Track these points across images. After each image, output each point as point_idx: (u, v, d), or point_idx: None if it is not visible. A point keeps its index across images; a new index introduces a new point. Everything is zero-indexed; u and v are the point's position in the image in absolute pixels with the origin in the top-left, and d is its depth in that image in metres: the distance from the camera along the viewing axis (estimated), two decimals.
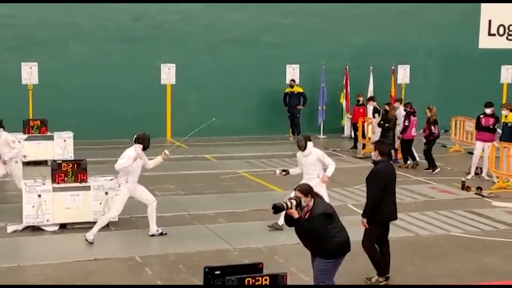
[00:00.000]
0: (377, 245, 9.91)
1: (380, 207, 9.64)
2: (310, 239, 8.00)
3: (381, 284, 9.83)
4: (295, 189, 8.07)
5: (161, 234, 12.08)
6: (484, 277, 10.28)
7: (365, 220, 9.74)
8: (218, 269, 6.75)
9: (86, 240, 11.54)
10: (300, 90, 23.92)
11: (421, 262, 10.82)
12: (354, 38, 25.00)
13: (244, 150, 21.22)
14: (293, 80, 24.11)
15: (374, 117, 20.54)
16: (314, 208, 7.91)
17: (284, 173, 12.45)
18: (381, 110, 20.11)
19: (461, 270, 10.61)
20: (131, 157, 11.73)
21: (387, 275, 9.91)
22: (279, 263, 10.62)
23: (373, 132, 20.21)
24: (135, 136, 12.04)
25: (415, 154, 19.04)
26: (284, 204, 7.78)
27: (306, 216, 7.91)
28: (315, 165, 12.08)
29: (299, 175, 12.33)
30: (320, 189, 11.28)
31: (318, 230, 7.83)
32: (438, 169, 18.21)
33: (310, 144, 12.05)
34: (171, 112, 23.58)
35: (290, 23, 24.27)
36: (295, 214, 7.80)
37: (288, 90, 23.92)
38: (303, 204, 7.89)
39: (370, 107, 21.04)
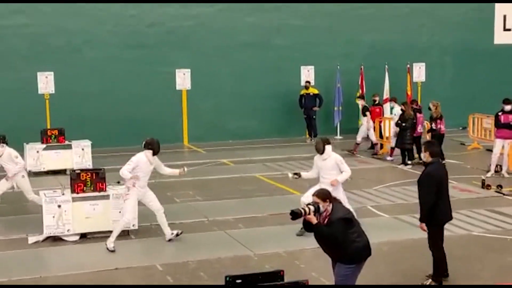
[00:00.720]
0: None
1: (437, 209, 9.62)
2: (330, 245, 7.97)
3: (431, 285, 9.82)
4: (313, 195, 8.02)
5: (177, 234, 12.12)
6: (507, 277, 10.18)
7: (423, 224, 9.74)
8: (239, 277, 6.72)
9: (107, 249, 11.58)
10: (316, 91, 23.88)
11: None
12: (367, 38, 24.94)
13: (261, 154, 21.20)
14: (308, 82, 24.08)
15: (364, 115, 21.09)
16: (332, 213, 7.86)
17: (296, 176, 12.41)
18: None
19: (483, 270, 10.53)
20: (138, 162, 11.84)
21: (441, 282, 9.84)
22: (300, 268, 10.59)
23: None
24: (144, 142, 12.06)
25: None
26: (302, 210, 7.74)
27: (325, 222, 7.86)
28: (332, 169, 12.02)
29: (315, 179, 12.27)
30: (338, 193, 11.25)
31: (337, 235, 7.79)
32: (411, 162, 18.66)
33: (328, 148, 12.00)
34: (187, 117, 23.61)
35: (302, 24, 24.25)
36: (314, 220, 7.77)
37: (303, 92, 23.88)
38: (322, 209, 7.85)
39: (396, 108, 20.80)
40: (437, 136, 18.14)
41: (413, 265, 10.77)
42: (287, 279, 6.88)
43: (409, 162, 18.89)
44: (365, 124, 21.05)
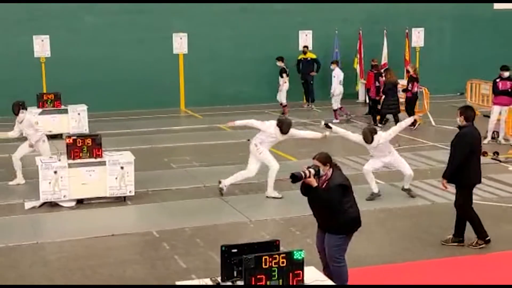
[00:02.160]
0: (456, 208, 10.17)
1: (468, 170, 9.86)
2: (324, 210, 7.93)
3: (481, 247, 10.00)
4: (313, 158, 7.98)
5: (277, 198, 12.63)
6: (505, 245, 10.20)
7: (445, 181, 9.97)
8: (235, 247, 6.75)
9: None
10: (313, 56, 23.73)
11: (439, 231, 10.75)
12: (366, 2, 24.70)
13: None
14: (306, 47, 23.91)
15: (282, 76, 22.17)
16: (332, 179, 7.83)
17: (327, 128, 12.75)
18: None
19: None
20: (266, 128, 12.84)
21: (488, 238, 10.04)
22: (295, 235, 10.62)
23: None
24: (278, 117, 13.06)
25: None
26: (303, 173, 7.72)
27: (323, 186, 7.84)
28: (385, 147, 12.40)
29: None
30: (400, 163, 12.51)
31: (333, 200, 7.78)
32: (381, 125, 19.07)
33: (376, 137, 12.17)
34: (184, 82, 23.50)
35: None
36: (314, 183, 7.74)
37: (301, 56, 23.75)
38: (322, 173, 7.83)
39: (336, 70, 21.16)
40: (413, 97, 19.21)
41: (410, 231, 10.81)
42: (282, 247, 6.92)
43: (380, 125, 19.21)
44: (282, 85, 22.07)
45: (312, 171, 7.76)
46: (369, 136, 12.14)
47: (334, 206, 7.82)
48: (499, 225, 11.11)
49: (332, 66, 21.09)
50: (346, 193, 7.91)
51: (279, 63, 22.28)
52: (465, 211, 10.08)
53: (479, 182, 10.22)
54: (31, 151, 13.89)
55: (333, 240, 7.95)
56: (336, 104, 20.67)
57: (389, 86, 19.17)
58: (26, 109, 14.08)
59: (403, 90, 19.68)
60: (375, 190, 12.50)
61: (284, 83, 22.08)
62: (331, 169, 7.89)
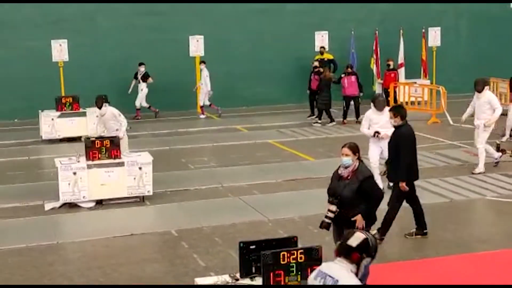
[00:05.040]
0: (411, 204, 10.22)
1: (411, 168, 10.02)
2: (352, 200, 7.88)
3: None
4: (343, 147, 7.98)
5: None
6: None
7: (404, 183, 9.96)
8: (253, 243, 6.79)
9: (479, 173, 13.68)
10: (331, 57, 23.72)
11: (456, 228, 10.76)
12: (382, 2, 24.69)
13: (275, 120, 21.20)
14: (323, 47, 23.92)
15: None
16: (359, 171, 7.87)
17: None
18: None
19: (496, 235, 10.54)
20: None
21: (383, 237, 10.05)
22: (313, 234, 10.62)
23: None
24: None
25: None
26: (327, 220, 7.92)
27: (349, 177, 7.86)
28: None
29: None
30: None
31: (370, 191, 7.89)
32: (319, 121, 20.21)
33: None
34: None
35: None
36: (333, 209, 7.91)
37: (318, 57, 23.74)
38: (350, 162, 7.86)
39: (204, 71, 21.84)
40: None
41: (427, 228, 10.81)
42: (300, 244, 6.95)
43: (319, 121, 20.33)
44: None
45: (333, 208, 7.89)
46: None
47: (373, 195, 7.94)
48: None
49: (202, 66, 21.84)
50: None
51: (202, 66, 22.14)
52: (392, 206, 10.10)
53: (417, 178, 10.29)
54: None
55: None
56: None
57: (324, 83, 20.22)
58: (109, 103, 14.29)
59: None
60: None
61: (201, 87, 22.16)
62: (358, 161, 7.92)
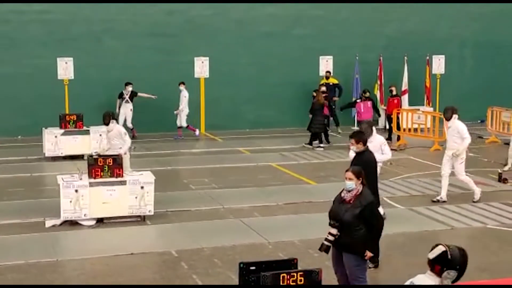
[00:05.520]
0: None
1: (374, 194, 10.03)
2: (353, 225, 7.89)
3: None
4: (346, 171, 8.02)
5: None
6: None
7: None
8: (253, 264, 6.79)
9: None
10: (336, 81, 23.83)
11: None
12: (387, 28, 24.87)
13: (278, 143, 21.25)
14: (328, 72, 24.03)
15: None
16: (362, 195, 7.90)
17: None
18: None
19: (496, 264, 10.51)
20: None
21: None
22: (314, 257, 10.61)
23: None
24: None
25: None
26: (327, 242, 7.92)
27: (351, 201, 7.88)
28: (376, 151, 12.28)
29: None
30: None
31: (373, 218, 7.91)
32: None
33: (374, 130, 12.42)
34: (204, 105, 23.67)
35: (321, 14, 24.20)
36: (334, 232, 7.92)
37: (323, 81, 23.84)
38: (353, 186, 7.89)
39: (183, 92, 21.78)
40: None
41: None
42: (300, 267, 6.94)
43: (322, 145, 20.43)
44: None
45: (334, 231, 7.90)
46: (368, 129, 12.26)
47: (376, 221, 7.95)
48: None
49: (181, 87, 21.81)
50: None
51: (181, 87, 22.02)
52: None
53: (379, 204, 10.34)
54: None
55: (353, 260, 7.97)
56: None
57: (317, 107, 20.40)
58: (116, 120, 14.31)
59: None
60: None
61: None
62: (361, 186, 7.94)
